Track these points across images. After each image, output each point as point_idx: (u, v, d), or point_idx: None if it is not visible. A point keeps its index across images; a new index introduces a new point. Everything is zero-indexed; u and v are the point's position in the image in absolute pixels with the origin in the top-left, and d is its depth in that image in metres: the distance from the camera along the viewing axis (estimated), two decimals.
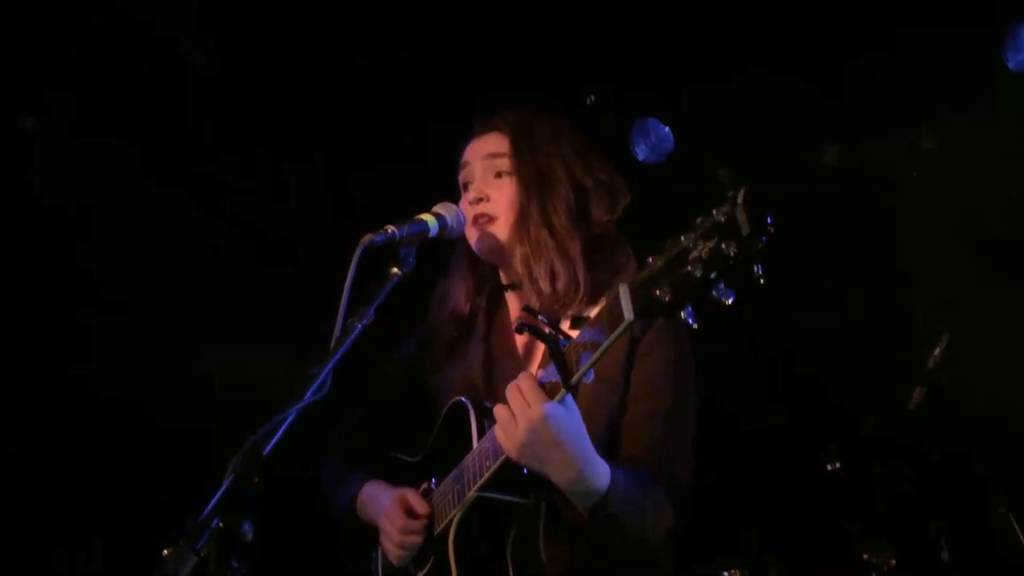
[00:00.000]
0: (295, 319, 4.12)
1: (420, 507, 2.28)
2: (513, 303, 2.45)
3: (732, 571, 4.06)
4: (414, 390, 2.51)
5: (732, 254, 1.54)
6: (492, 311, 2.48)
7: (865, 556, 3.85)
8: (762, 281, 1.53)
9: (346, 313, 1.97)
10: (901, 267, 4.24)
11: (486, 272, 2.49)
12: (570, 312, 2.25)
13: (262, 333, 4.04)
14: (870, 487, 3.99)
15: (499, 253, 2.38)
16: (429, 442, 2.39)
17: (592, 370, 1.83)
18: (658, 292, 1.64)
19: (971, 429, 3.93)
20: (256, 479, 1.72)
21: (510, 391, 1.95)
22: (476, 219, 2.35)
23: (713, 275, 1.56)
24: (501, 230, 2.35)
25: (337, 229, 4.26)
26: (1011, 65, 4.18)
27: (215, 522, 1.67)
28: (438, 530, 2.22)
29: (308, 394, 1.84)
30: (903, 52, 4.20)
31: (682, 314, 1.61)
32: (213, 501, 1.70)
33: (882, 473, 4.00)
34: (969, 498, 3.89)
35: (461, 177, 2.47)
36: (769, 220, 1.52)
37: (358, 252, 2.04)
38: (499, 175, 2.39)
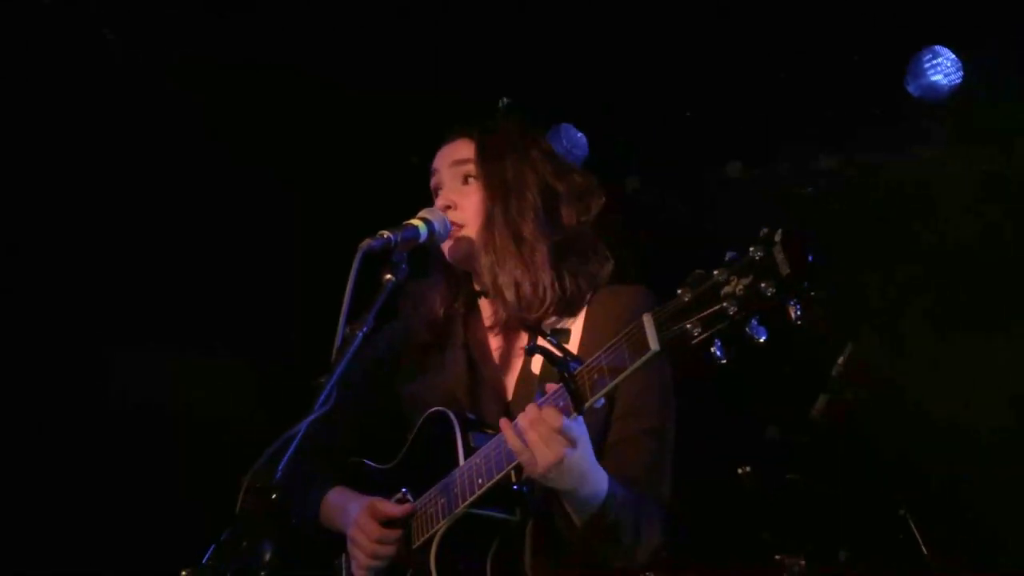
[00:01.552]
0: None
1: (397, 513, 2.24)
2: (486, 310, 2.43)
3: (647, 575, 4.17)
4: (382, 394, 2.47)
5: (770, 294, 1.57)
6: (466, 317, 2.45)
7: (777, 557, 4.02)
8: (800, 323, 1.57)
9: (346, 321, 1.96)
10: None
11: (460, 278, 2.47)
12: (549, 321, 2.27)
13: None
14: (781, 491, 4.16)
15: (468, 261, 2.37)
16: (402, 450, 2.35)
17: (603, 397, 1.84)
18: (688, 325, 1.66)
19: (875, 435, 4.14)
20: (273, 495, 1.68)
21: (533, 423, 1.91)
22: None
23: (748, 313, 1.59)
24: (468, 237, 2.35)
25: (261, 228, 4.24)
26: (912, 91, 4.42)
27: (238, 542, 1.62)
28: (417, 543, 2.20)
29: (317, 405, 1.82)
30: (811, 76, 4.39)
31: (712, 349, 1.64)
32: (233, 521, 1.66)
33: (792, 478, 4.17)
34: (872, 500, 4.10)
35: (431, 184, 2.46)
36: (811, 259, 1.56)
37: (358, 257, 2.03)
38: (466, 181, 2.38)
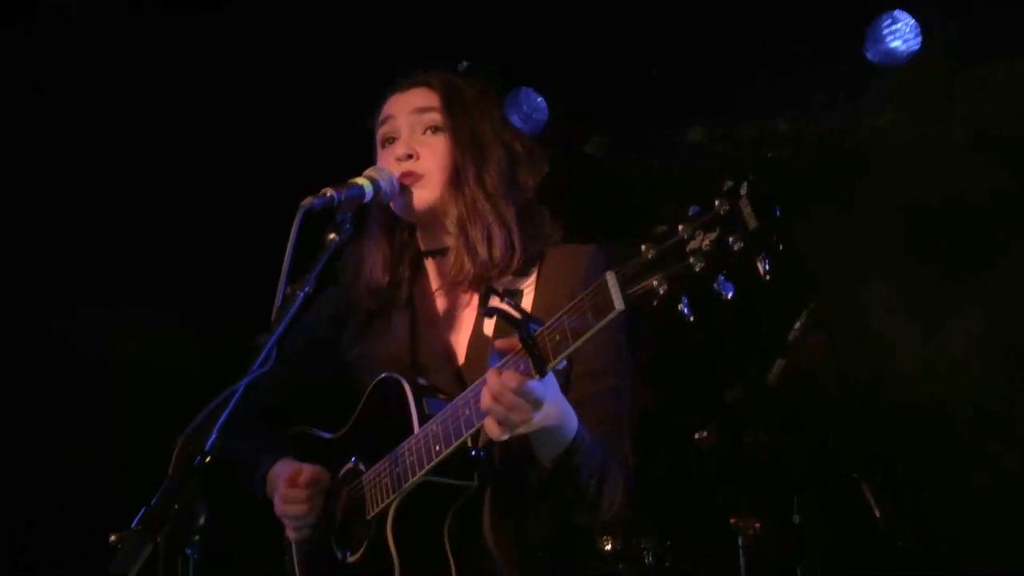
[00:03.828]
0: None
1: (304, 476, 2.21)
2: (433, 270, 2.34)
3: (605, 538, 4.18)
4: (327, 360, 2.40)
5: (738, 248, 1.52)
6: (411, 279, 2.37)
7: (733, 520, 4.05)
8: (768, 277, 1.53)
9: (286, 281, 1.90)
10: None
11: (404, 239, 2.38)
12: (502, 281, 2.21)
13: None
14: (738, 455, 4.18)
15: (426, 214, 2.27)
16: (351, 418, 2.28)
17: (565, 359, 1.79)
18: (655, 283, 1.61)
19: (828, 399, 4.17)
20: (208, 458, 1.62)
21: (497, 391, 1.83)
22: (402, 177, 2.23)
23: (715, 268, 1.56)
24: (431, 190, 2.24)
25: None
26: (871, 56, 4.41)
27: (169, 506, 1.56)
28: (372, 514, 2.13)
29: (255, 366, 1.76)
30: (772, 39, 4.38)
31: (679, 306, 1.60)
32: (164, 483, 1.60)
33: (748, 441, 4.19)
34: (824, 465, 4.13)
35: (381, 133, 2.34)
36: (778, 213, 1.52)
37: (298, 216, 1.96)
38: (428, 131, 2.28)
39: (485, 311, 1.88)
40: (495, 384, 1.82)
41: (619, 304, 1.66)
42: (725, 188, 1.56)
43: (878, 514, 3.98)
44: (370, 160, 2.35)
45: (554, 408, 1.90)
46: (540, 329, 1.80)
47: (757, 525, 4.05)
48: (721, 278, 1.56)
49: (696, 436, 4.31)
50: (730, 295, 1.56)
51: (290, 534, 2.27)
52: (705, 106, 4.69)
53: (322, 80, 4.23)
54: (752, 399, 4.30)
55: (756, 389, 4.24)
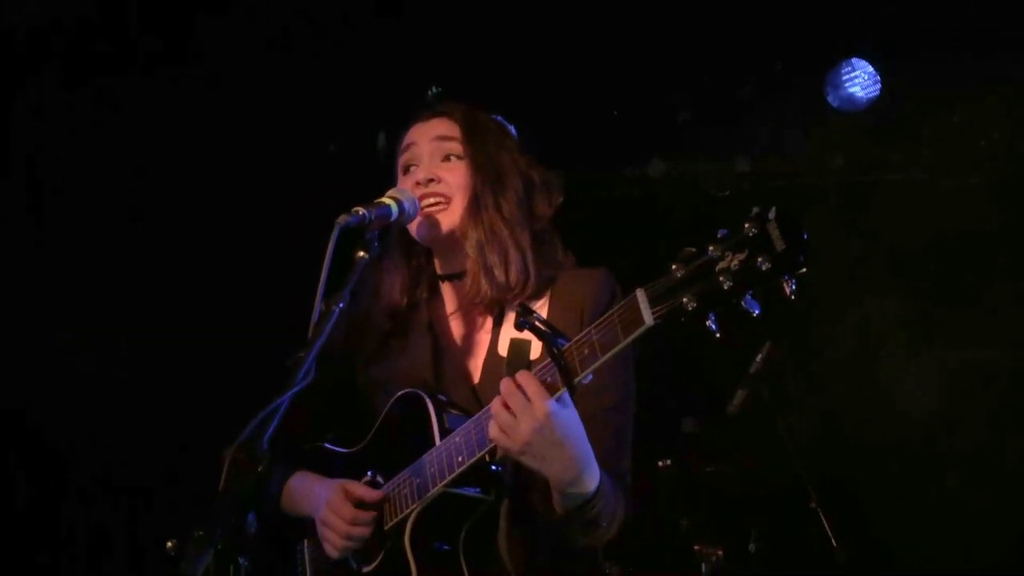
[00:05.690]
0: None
1: (370, 497, 2.21)
2: (449, 293, 2.41)
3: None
4: (339, 378, 2.41)
5: (765, 269, 1.61)
6: (428, 302, 2.43)
7: (696, 547, 4.12)
8: (793, 297, 1.61)
9: (323, 296, 1.96)
10: None
11: (422, 263, 2.45)
12: (515, 304, 2.23)
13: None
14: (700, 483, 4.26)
15: (446, 239, 2.33)
16: (368, 434, 2.31)
17: (591, 372, 1.85)
18: (685, 300, 1.69)
19: (790, 430, 4.28)
20: (259, 468, 1.66)
21: (509, 390, 1.91)
22: (424, 198, 2.30)
23: (743, 287, 1.64)
24: (453, 214, 2.31)
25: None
26: (831, 101, 4.59)
27: (226, 514, 1.59)
28: (389, 525, 2.17)
29: (297, 380, 1.80)
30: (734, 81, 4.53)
31: (707, 323, 1.68)
32: (218, 493, 1.64)
33: (711, 471, 4.28)
34: (785, 493, 4.23)
35: (403, 160, 2.41)
36: (805, 236, 1.61)
37: (335, 233, 2.02)
38: (448, 159, 2.36)
39: (518, 323, 1.92)
40: (506, 387, 1.91)
41: (649, 320, 1.74)
42: (753, 213, 1.65)
43: (835, 544, 4.08)
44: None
45: (572, 451, 1.94)
46: (568, 344, 1.87)
47: (720, 553, 4.13)
48: (748, 296, 1.64)
49: (660, 464, 4.38)
50: (756, 313, 1.65)
51: (333, 552, 2.23)
52: (666, 143, 4.82)
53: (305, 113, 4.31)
54: (713, 429, 4.40)
55: (717, 419, 4.33)
